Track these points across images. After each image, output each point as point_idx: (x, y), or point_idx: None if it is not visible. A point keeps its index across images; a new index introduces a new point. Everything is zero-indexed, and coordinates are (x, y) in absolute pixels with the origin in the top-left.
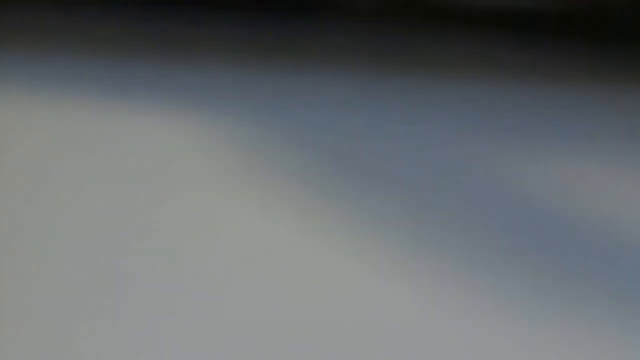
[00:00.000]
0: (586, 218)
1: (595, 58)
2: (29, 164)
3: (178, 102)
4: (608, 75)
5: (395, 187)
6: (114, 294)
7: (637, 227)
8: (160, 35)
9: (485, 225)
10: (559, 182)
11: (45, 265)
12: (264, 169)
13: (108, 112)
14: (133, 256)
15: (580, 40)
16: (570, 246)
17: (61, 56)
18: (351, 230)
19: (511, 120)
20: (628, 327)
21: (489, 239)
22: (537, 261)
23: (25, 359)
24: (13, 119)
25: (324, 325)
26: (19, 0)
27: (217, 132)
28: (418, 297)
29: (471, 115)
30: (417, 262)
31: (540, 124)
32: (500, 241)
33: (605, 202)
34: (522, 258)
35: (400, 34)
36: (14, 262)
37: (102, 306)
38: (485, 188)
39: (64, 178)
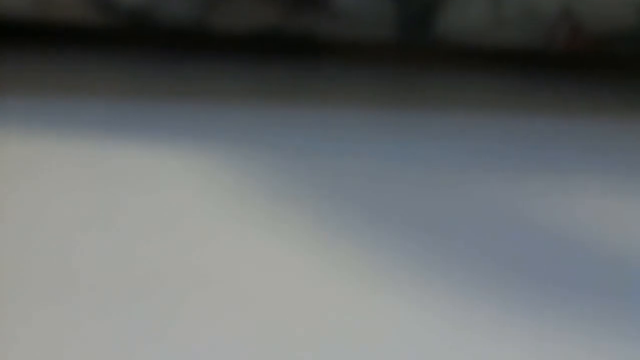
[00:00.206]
0: (593, 246)
1: (597, 93)
2: (35, 203)
3: (188, 141)
4: (609, 109)
5: (404, 219)
6: (120, 330)
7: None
8: (167, 77)
9: (497, 254)
10: (562, 210)
11: (47, 304)
12: (274, 202)
13: (114, 150)
14: (140, 288)
15: (581, 77)
16: (574, 271)
17: (73, 100)
18: (360, 259)
19: (517, 151)
20: None
21: (498, 266)
22: (542, 289)
23: None
24: (19, 160)
25: (330, 354)
26: (28, 44)
27: (226, 168)
28: (429, 325)
29: (476, 148)
30: (427, 290)
31: (545, 155)
32: (507, 267)
33: (609, 228)
34: (526, 284)
35: (407, 73)
36: (16, 301)
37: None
38: (491, 217)
39: (71, 216)
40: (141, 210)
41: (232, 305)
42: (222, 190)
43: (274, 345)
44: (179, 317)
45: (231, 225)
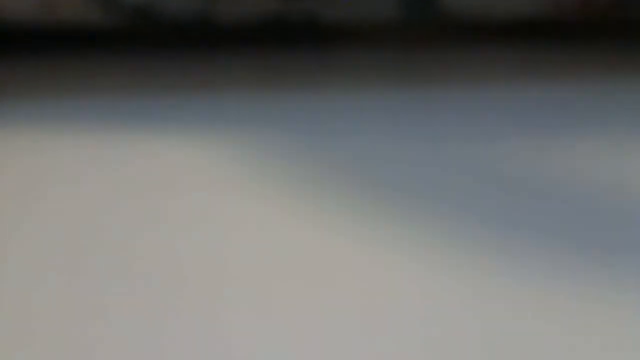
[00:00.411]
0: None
1: (612, 60)
2: (48, 204)
3: (198, 133)
4: (623, 73)
5: (413, 190)
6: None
7: None
8: (170, 70)
9: (513, 220)
10: (577, 176)
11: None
12: (291, 186)
13: (124, 148)
14: (169, 281)
15: (595, 44)
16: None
17: (81, 97)
18: (377, 233)
19: (531, 121)
20: None
21: (514, 231)
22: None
23: None
24: (27, 161)
25: (342, 326)
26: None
27: (237, 157)
28: (438, 292)
29: (487, 120)
30: (435, 258)
31: (561, 123)
32: (526, 231)
33: (627, 188)
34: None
35: (413, 51)
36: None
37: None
38: (509, 186)
39: (88, 213)
40: (162, 205)
41: (268, 291)
42: (239, 178)
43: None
44: (213, 312)
45: (253, 212)
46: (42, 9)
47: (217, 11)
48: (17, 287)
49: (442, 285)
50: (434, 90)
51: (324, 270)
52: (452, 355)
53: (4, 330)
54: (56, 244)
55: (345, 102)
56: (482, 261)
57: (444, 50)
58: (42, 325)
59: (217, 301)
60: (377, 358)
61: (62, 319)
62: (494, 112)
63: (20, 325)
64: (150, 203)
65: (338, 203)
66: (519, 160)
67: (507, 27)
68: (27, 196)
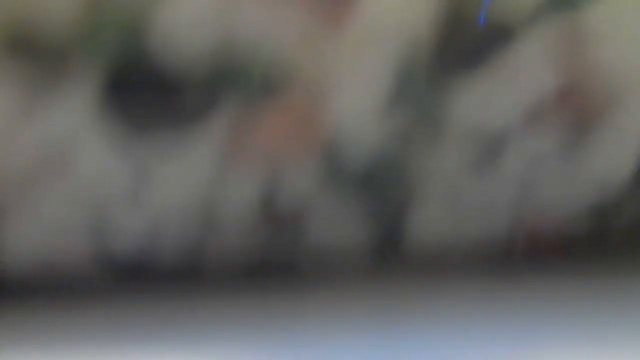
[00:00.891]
0: None
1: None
2: None
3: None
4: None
5: None
6: None
7: None
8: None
9: None
10: None
11: None
12: None
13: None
14: None
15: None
16: None
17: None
18: None
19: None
20: None
21: None
22: None
23: None
24: None
25: None
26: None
27: None
28: None
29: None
30: None
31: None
32: None
33: None
34: None
35: (387, 287)
36: None
37: None
38: None
39: None
40: None
41: None
42: None
43: None
44: None
45: None
46: (44, 268)
47: (206, 260)
48: None
49: None
50: (406, 327)
51: None
52: None
53: None
54: None
55: (320, 339)
56: None
57: (413, 283)
58: None
59: None
60: None
61: None
62: (464, 345)
63: None
64: None
65: None
66: None
67: (469, 259)
68: None
